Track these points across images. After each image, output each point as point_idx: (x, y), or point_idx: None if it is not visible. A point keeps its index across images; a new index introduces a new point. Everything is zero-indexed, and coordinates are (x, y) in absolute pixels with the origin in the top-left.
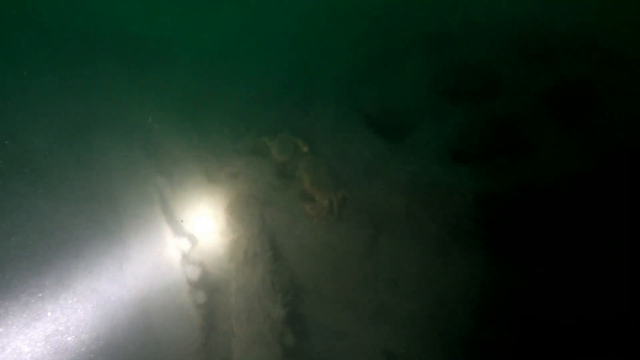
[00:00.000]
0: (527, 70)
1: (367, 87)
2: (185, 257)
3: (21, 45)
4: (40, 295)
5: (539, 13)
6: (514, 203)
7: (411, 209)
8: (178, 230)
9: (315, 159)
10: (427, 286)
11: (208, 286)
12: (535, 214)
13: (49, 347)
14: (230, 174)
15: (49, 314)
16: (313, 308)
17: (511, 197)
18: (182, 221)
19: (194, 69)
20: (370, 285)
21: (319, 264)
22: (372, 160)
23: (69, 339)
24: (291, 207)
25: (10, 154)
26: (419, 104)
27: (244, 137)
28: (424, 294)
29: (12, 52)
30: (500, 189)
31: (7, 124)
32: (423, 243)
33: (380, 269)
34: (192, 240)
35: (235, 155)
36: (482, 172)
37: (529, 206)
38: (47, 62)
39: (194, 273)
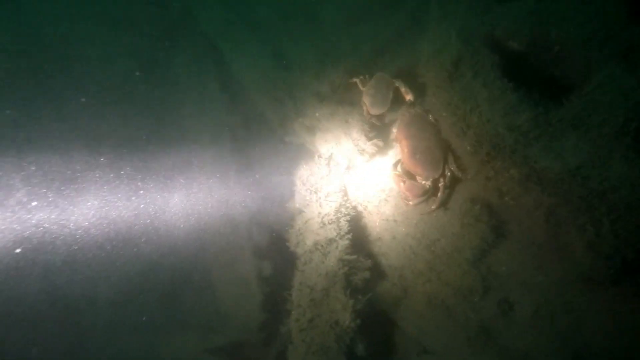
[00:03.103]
0: None
1: (513, 6)
2: (253, 216)
3: None
4: None
5: None
6: None
7: (556, 216)
8: (246, 182)
9: (421, 116)
10: (557, 324)
11: (273, 261)
12: None
13: None
14: (306, 127)
15: None
16: (394, 315)
17: None
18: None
19: None
20: (474, 300)
21: (409, 260)
22: (506, 132)
23: None
24: (381, 181)
25: (95, 76)
26: (596, 41)
27: (329, 76)
28: (551, 334)
29: None
30: None
31: (95, 46)
32: (565, 266)
33: (492, 283)
34: (262, 200)
35: (316, 102)
36: None
37: None
38: None
39: (261, 237)
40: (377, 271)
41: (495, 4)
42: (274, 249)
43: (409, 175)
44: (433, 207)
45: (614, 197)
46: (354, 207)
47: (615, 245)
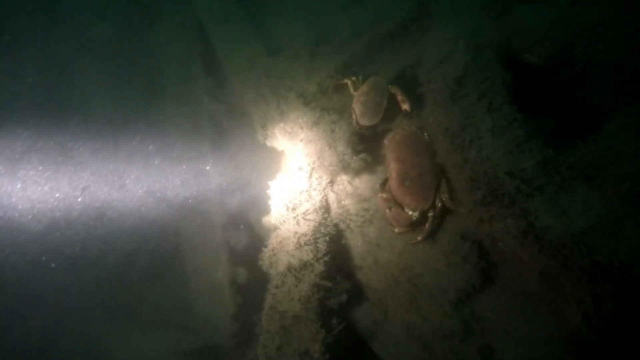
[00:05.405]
0: None
1: (536, 10)
2: (230, 218)
3: None
4: None
5: None
6: None
7: (551, 278)
8: (223, 179)
9: (415, 135)
10: None
11: (249, 268)
12: None
13: None
14: (287, 133)
15: None
16: (370, 339)
17: None
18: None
19: None
20: (454, 341)
21: (390, 287)
22: (506, 177)
23: None
24: (365, 200)
25: (77, 39)
26: (630, 67)
27: (316, 73)
28: None
29: None
30: None
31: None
32: (556, 325)
33: (475, 328)
34: (239, 203)
35: (300, 105)
36: None
37: None
38: None
39: (238, 242)
40: (358, 291)
41: (515, 3)
42: (251, 255)
43: (396, 202)
44: (419, 237)
45: (623, 276)
46: (335, 225)
47: (618, 328)
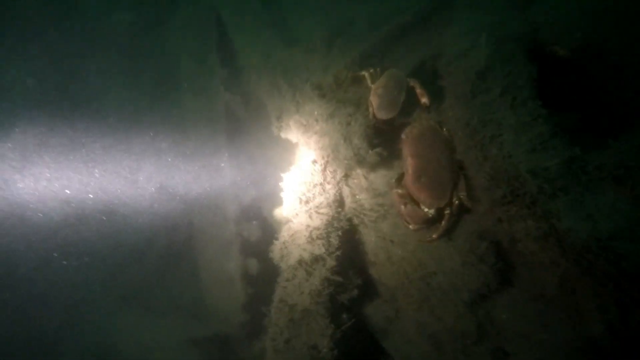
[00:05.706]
0: None
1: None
2: (243, 212)
3: None
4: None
5: None
6: None
7: (573, 283)
8: (237, 173)
9: (433, 130)
10: None
11: (260, 260)
12: None
13: None
14: (302, 125)
15: None
16: (381, 336)
17: None
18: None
19: None
20: (467, 342)
21: (402, 285)
22: (528, 176)
23: None
24: (379, 195)
25: (92, 31)
26: None
27: (333, 65)
28: None
29: None
30: None
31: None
32: (575, 330)
33: (489, 330)
34: (253, 197)
35: (316, 97)
36: None
37: None
38: None
39: (250, 233)
40: (369, 287)
41: None
42: (262, 247)
43: (412, 198)
44: (434, 235)
45: None
46: (349, 219)
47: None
